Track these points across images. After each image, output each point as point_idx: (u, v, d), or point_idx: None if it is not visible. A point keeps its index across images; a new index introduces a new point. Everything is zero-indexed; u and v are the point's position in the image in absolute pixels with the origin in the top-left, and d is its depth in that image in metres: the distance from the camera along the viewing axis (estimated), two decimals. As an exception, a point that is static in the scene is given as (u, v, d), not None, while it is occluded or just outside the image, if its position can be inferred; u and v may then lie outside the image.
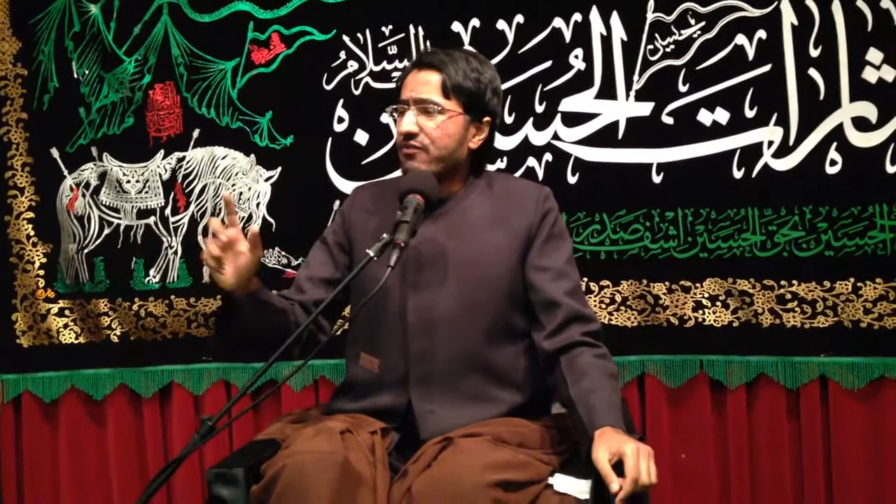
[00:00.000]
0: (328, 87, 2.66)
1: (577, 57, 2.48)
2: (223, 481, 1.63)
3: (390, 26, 2.61)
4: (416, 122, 1.84)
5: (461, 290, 1.83)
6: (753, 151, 2.36)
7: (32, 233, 2.91)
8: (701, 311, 2.42)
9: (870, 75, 2.27)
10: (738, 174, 2.37)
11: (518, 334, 1.87)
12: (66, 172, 2.88)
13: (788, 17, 2.32)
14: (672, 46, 2.41)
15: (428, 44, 2.58)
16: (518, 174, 2.51)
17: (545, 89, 2.50)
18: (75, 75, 2.85)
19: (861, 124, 2.28)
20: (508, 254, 1.86)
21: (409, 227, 1.68)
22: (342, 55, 2.65)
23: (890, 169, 2.27)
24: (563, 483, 1.57)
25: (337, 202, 2.63)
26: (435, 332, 1.82)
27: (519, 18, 2.51)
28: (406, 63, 2.56)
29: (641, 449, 1.52)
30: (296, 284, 1.97)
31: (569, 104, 2.49)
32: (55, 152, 2.88)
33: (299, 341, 1.67)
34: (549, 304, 1.82)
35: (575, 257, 2.41)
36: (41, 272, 2.92)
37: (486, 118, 1.92)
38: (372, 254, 1.63)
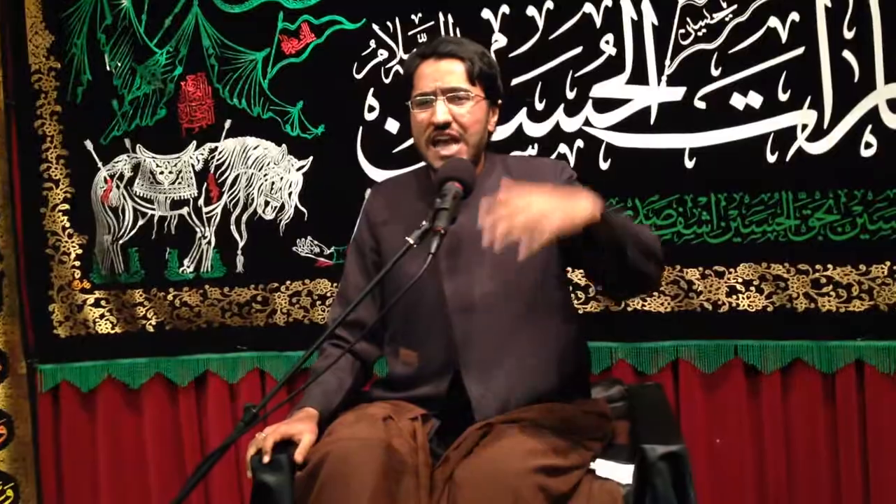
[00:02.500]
0: (358, 76, 2.67)
1: (607, 42, 2.47)
2: (268, 468, 1.64)
3: (419, 14, 2.61)
4: (448, 111, 1.86)
5: (496, 271, 1.84)
6: (787, 135, 2.34)
7: (68, 224, 2.95)
8: (735, 297, 2.41)
9: (905, 56, 2.25)
10: (771, 158, 2.35)
11: (555, 306, 1.90)
12: (100, 164, 2.91)
13: (822, -1, 2.30)
14: (704, 30, 2.39)
15: (458, 31, 2.57)
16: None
17: (576, 75, 2.49)
18: (108, 68, 2.88)
19: (896, 106, 2.27)
20: None
21: (449, 214, 1.68)
22: (372, 44, 2.65)
23: (927, 151, 2.24)
24: (606, 468, 1.58)
25: (368, 191, 2.63)
26: (475, 314, 1.84)
27: (549, 4, 2.50)
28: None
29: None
30: (346, 302, 2.00)
31: (600, 90, 2.48)
32: (89, 144, 2.91)
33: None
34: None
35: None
36: (77, 263, 2.96)
37: (499, 101, 1.98)
38: (412, 241, 1.63)
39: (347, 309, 1.65)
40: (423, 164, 2.01)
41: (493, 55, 2.01)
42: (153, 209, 2.87)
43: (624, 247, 1.60)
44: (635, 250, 1.62)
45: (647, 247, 1.66)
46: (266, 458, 1.65)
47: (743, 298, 2.41)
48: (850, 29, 2.28)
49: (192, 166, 2.82)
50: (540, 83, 2.51)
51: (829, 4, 2.29)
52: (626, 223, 1.65)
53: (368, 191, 2.60)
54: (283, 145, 2.75)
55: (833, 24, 2.29)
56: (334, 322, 1.81)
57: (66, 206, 2.95)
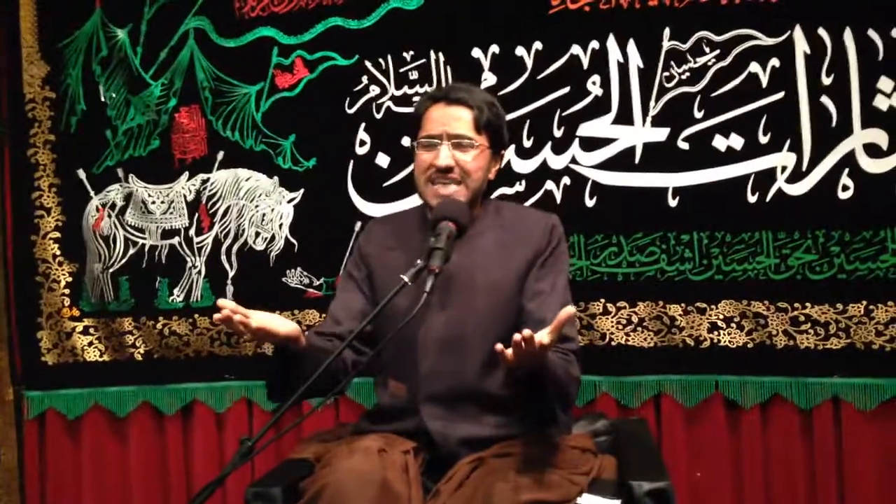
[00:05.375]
0: (350, 111, 2.72)
1: (594, 83, 2.54)
2: (262, 500, 1.67)
3: (411, 52, 2.67)
4: (452, 156, 1.91)
5: (468, 313, 1.90)
6: (767, 176, 2.42)
7: (58, 252, 2.97)
8: (716, 333, 2.47)
9: (881, 103, 2.33)
10: (752, 198, 2.42)
11: None
12: (92, 193, 2.94)
13: (801, 46, 2.38)
14: (687, 74, 2.47)
15: (448, 70, 2.63)
16: (536, 197, 2.57)
17: (563, 114, 2.55)
18: (102, 98, 2.91)
19: (872, 151, 2.34)
20: (513, 280, 1.93)
21: (443, 254, 1.73)
22: (364, 80, 2.71)
23: (901, 194, 2.32)
24: (592, 503, 1.62)
25: (358, 223, 2.68)
26: (442, 352, 1.88)
27: (538, 45, 2.57)
28: (426, 88, 2.63)
29: None
30: (331, 317, 2.04)
31: (586, 129, 2.54)
32: (82, 173, 2.94)
33: (346, 373, 1.81)
34: (539, 323, 1.85)
35: (592, 279, 2.53)
36: (67, 291, 2.97)
37: (502, 150, 2.05)
38: (406, 279, 1.68)
39: (349, 338, 1.71)
40: (417, 203, 2.05)
41: (500, 106, 2.05)
42: (144, 238, 2.89)
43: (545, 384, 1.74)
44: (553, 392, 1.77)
45: (561, 393, 1.80)
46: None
47: (724, 335, 2.47)
48: (828, 75, 2.36)
49: (184, 197, 2.86)
50: (528, 121, 2.57)
51: (809, 51, 2.37)
52: (558, 377, 1.76)
53: (358, 224, 2.66)
54: (275, 177, 2.79)
55: (812, 71, 2.38)
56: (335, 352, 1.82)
57: (58, 234, 2.97)
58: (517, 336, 1.54)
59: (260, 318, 1.68)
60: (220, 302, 1.67)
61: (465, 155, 1.93)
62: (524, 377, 1.70)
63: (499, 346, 1.58)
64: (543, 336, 1.57)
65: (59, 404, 2.98)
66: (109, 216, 2.91)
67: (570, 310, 1.59)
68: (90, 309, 2.96)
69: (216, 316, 1.65)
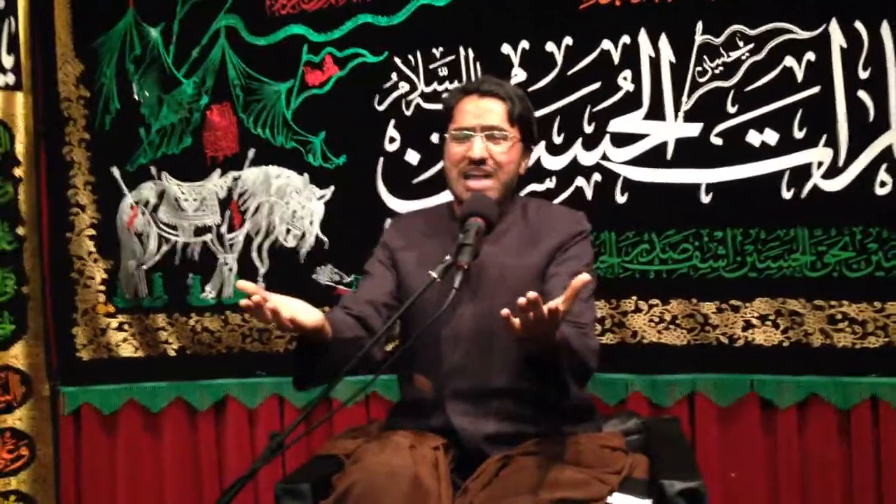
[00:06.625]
0: (380, 108, 2.72)
1: (625, 78, 2.51)
2: (291, 496, 1.68)
3: (441, 48, 2.66)
4: (485, 148, 1.90)
5: (494, 307, 1.85)
6: (803, 172, 2.37)
7: (93, 249, 3.01)
8: (751, 331, 2.43)
9: (919, 97, 2.28)
10: (787, 195, 2.38)
11: None
12: (126, 191, 2.97)
13: (837, 40, 2.33)
14: (721, 68, 2.43)
15: (478, 66, 2.62)
16: (566, 194, 2.55)
17: (594, 110, 2.53)
18: (136, 97, 2.95)
19: (911, 146, 2.29)
20: (537, 271, 1.92)
21: (472, 250, 1.73)
22: (394, 77, 2.71)
23: (940, 190, 2.27)
24: (623, 502, 1.60)
25: (388, 220, 2.67)
26: (468, 347, 1.88)
27: (568, 40, 2.55)
28: (456, 84, 2.62)
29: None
30: (363, 289, 2.01)
31: (617, 125, 2.52)
32: (116, 171, 2.97)
33: (377, 344, 1.80)
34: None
35: (623, 276, 2.50)
36: (102, 287, 3.01)
37: (533, 145, 2.05)
38: (435, 276, 1.68)
39: (381, 331, 1.72)
40: (443, 201, 2.05)
41: (529, 100, 2.06)
42: (177, 235, 2.92)
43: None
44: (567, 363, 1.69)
45: (577, 364, 1.72)
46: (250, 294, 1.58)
47: (759, 333, 2.43)
48: (864, 69, 2.32)
49: (216, 194, 2.88)
50: (558, 117, 2.55)
51: (845, 45, 2.33)
52: (573, 346, 1.69)
53: (388, 221, 2.66)
54: (305, 174, 2.80)
55: (848, 65, 2.33)
56: (369, 342, 1.78)
57: (92, 231, 3.01)
58: (521, 299, 1.46)
59: (288, 307, 1.63)
60: (241, 284, 1.60)
61: (499, 147, 1.93)
62: (539, 354, 1.65)
63: (505, 312, 1.51)
64: (557, 302, 1.50)
65: (95, 399, 3.02)
66: (143, 213, 2.94)
67: (584, 277, 1.52)
68: (124, 305, 3.00)
69: (242, 302, 1.58)
